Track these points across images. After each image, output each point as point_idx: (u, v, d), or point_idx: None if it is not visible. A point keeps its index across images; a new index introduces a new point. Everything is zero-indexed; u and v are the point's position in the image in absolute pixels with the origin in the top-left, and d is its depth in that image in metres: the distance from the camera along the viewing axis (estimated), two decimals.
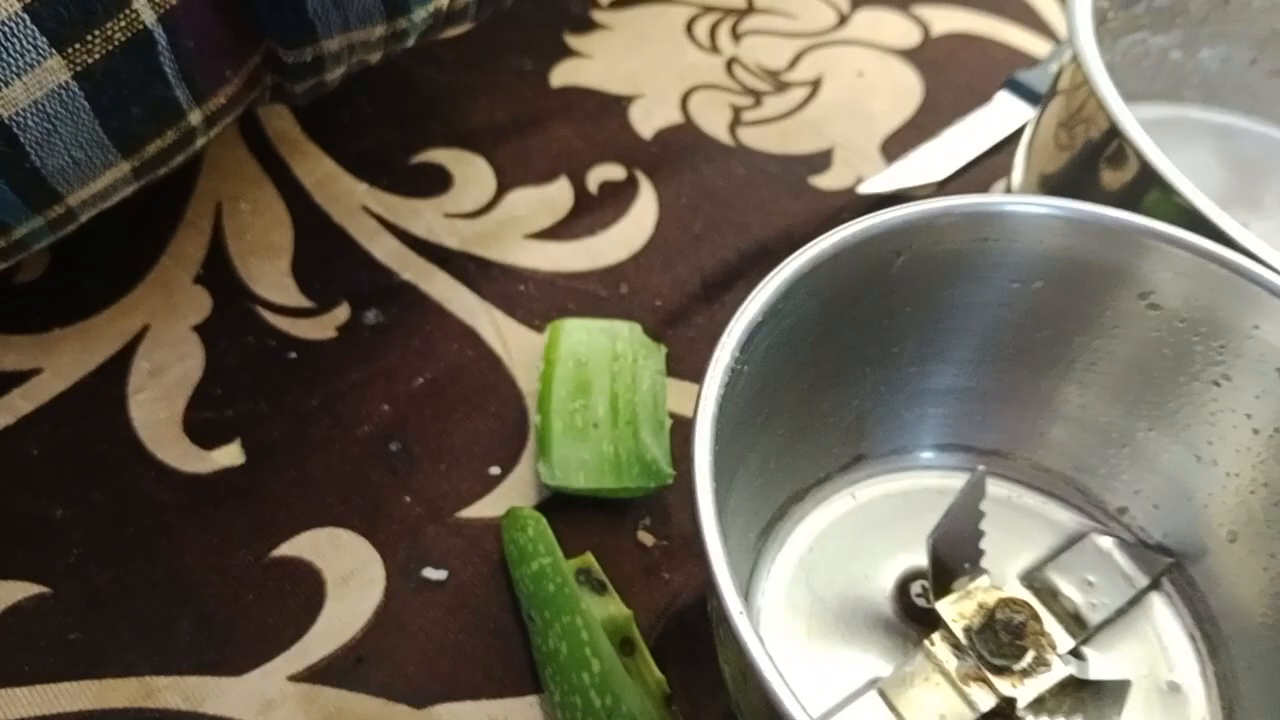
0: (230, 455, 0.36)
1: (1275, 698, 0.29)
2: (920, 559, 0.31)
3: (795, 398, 0.30)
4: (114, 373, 0.38)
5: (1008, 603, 0.28)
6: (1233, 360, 0.30)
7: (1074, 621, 0.30)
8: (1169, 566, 0.32)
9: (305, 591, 0.34)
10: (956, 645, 0.28)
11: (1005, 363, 0.32)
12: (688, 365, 0.40)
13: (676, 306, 0.42)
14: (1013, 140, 0.48)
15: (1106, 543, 0.32)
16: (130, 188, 0.35)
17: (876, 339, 0.30)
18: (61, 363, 0.38)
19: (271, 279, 0.41)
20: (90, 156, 0.32)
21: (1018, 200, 0.29)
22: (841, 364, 0.30)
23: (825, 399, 0.31)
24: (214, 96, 0.34)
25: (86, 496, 0.35)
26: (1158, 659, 0.31)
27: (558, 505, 0.36)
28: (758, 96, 0.50)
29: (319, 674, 0.32)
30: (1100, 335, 0.31)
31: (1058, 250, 0.29)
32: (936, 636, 0.29)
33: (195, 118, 0.34)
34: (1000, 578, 0.31)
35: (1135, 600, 0.32)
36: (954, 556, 0.29)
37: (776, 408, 0.29)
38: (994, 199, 0.29)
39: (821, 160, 0.48)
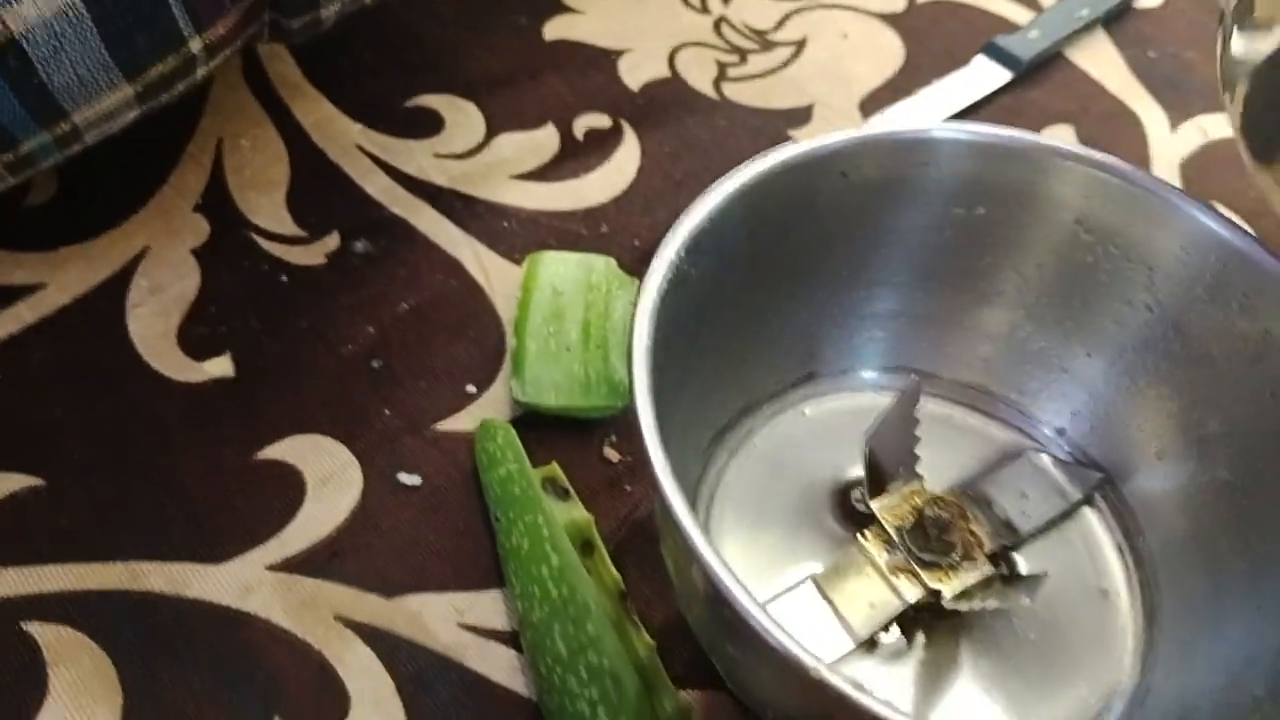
0: (221, 366, 0.38)
1: (1189, 601, 0.31)
2: (860, 470, 0.33)
3: (745, 313, 0.32)
4: (115, 289, 0.40)
5: (937, 501, 0.30)
6: (1163, 284, 0.31)
7: (1005, 529, 0.32)
8: (1100, 483, 0.33)
9: (287, 491, 0.36)
10: (888, 541, 0.30)
11: (948, 288, 0.33)
12: None
13: (653, 246, 0.42)
14: (986, 103, 0.50)
15: (1043, 460, 0.34)
16: (134, 112, 0.37)
17: (822, 258, 0.32)
18: (66, 279, 0.40)
19: (267, 210, 0.43)
20: (95, 76, 0.34)
21: (958, 127, 0.31)
22: (790, 281, 0.32)
23: (775, 317, 0.33)
24: (213, 26, 0.37)
25: (84, 399, 0.37)
26: (1087, 567, 0.33)
27: (530, 422, 0.38)
28: (743, 54, 0.52)
29: (296, 565, 0.34)
30: (1040, 262, 0.33)
31: (995, 176, 0.31)
32: (869, 532, 0.31)
33: (195, 45, 0.37)
34: (936, 488, 0.32)
35: (1067, 514, 0.33)
36: (889, 460, 0.31)
37: (727, 320, 0.31)
38: (935, 125, 0.31)
39: (801, 115, 0.49)
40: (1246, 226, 0.31)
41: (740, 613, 0.21)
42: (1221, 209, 0.31)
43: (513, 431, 0.36)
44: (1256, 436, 0.29)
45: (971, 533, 0.30)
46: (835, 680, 0.20)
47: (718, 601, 0.22)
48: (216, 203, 0.43)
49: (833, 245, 0.32)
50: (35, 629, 0.32)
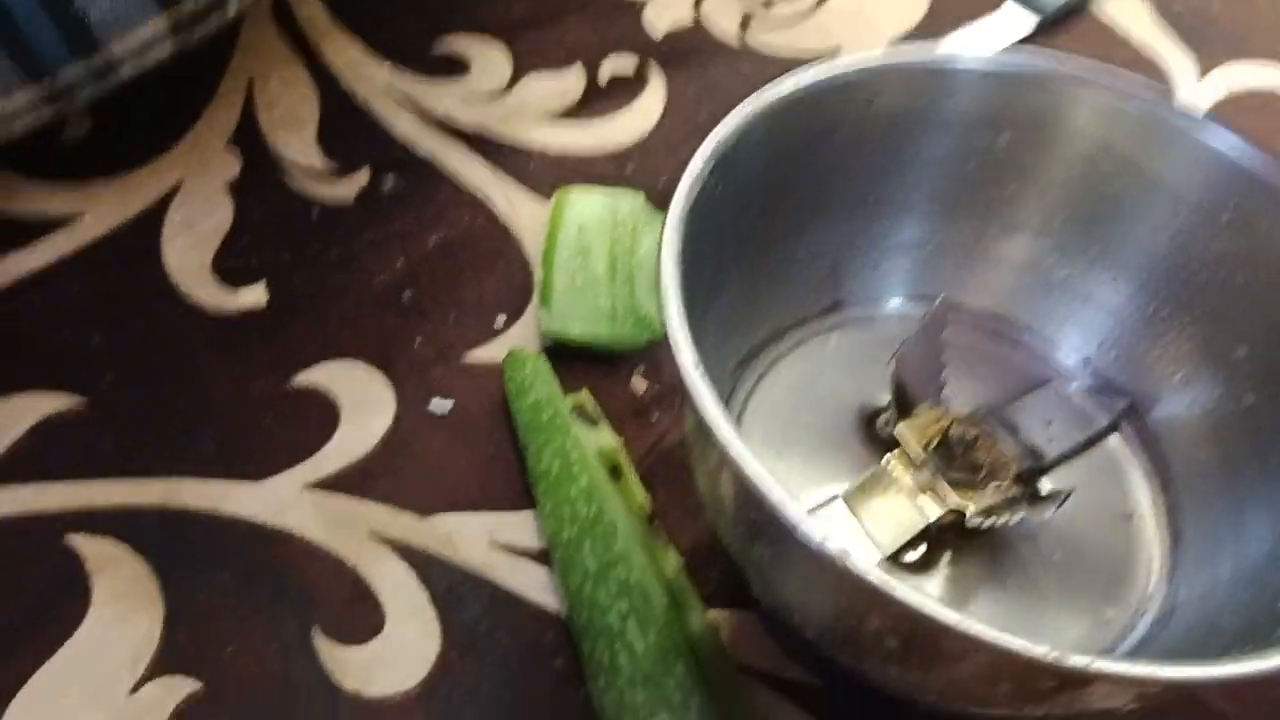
0: (254, 296, 0.39)
1: (1213, 522, 0.31)
2: (887, 398, 0.33)
3: (770, 239, 0.32)
4: (149, 222, 0.40)
5: (963, 421, 0.30)
6: (1188, 212, 0.31)
7: (1030, 455, 0.33)
8: (1126, 409, 0.34)
9: (321, 415, 0.36)
10: (914, 461, 0.31)
11: (972, 217, 0.34)
12: None
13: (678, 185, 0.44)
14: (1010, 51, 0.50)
15: (1067, 388, 0.34)
16: (168, 46, 0.38)
17: (846, 186, 0.32)
18: (101, 210, 0.40)
19: (298, 147, 0.43)
20: (130, 8, 0.35)
21: (982, 56, 0.31)
22: (813, 208, 0.32)
23: (800, 244, 0.33)
24: None
25: (122, 326, 0.38)
26: (1112, 491, 0.33)
27: (559, 354, 0.38)
28: (768, 1, 0.52)
29: (331, 484, 0.35)
30: (1065, 189, 0.33)
31: (1019, 105, 0.31)
32: (894, 453, 0.31)
33: None
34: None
35: (1092, 441, 0.34)
36: (916, 383, 0.32)
37: (752, 245, 0.31)
38: (959, 53, 0.31)
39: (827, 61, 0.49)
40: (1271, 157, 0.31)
41: (771, 509, 0.21)
42: (1246, 137, 0.31)
43: (542, 359, 0.37)
44: None
45: (997, 454, 0.31)
46: (864, 569, 0.20)
47: (749, 503, 0.23)
48: (248, 139, 0.43)
49: (856, 173, 0.32)
50: (78, 541, 0.33)
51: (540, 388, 0.36)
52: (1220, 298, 0.32)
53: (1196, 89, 0.49)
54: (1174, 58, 0.51)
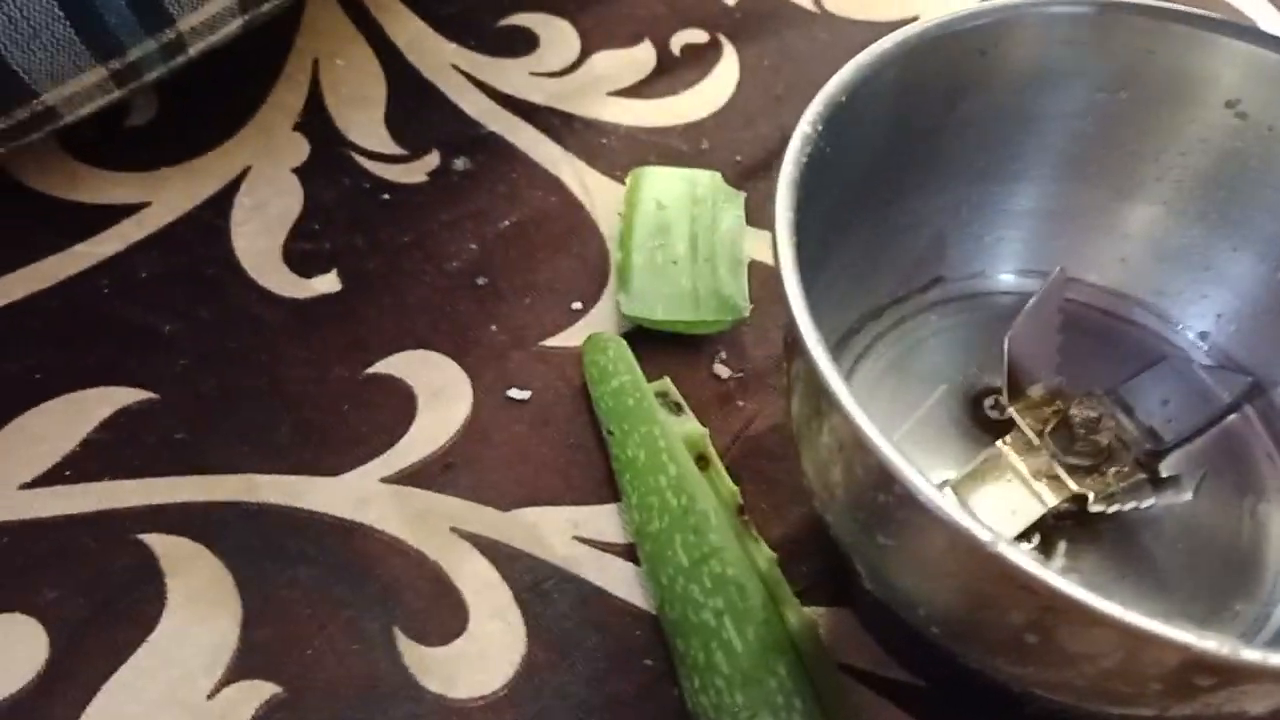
0: (328, 283, 0.38)
1: None
2: (994, 379, 0.31)
3: (875, 204, 0.30)
4: (218, 207, 0.39)
5: (1083, 401, 0.28)
6: None
7: (1150, 436, 0.31)
8: (1249, 388, 0.31)
9: (398, 405, 0.35)
10: (1029, 445, 0.29)
11: (1086, 182, 0.32)
12: (766, 216, 0.41)
13: (756, 162, 0.43)
14: None
15: (1186, 365, 0.32)
16: (236, 22, 0.37)
17: (956, 148, 0.30)
18: (169, 196, 0.39)
19: (366, 128, 0.42)
20: None
21: (1109, 1, 0.29)
22: (921, 174, 0.30)
23: (905, 212, 0.31)
24: None
25: (193, 314, 0.37)
26: (1236, 477, 0.31)
27: (638, 338, 0.37)
28: None
29: (409, 477, 0.33)
30: (1185, 150, 0.31)
31: (1144, 55, 0.29)
32: (1009, 436, 0.29)
33: None
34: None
35: (1215, 421, 0.31)
36: (1030, 361, 0.30)
37: (856, 212, 0.29)
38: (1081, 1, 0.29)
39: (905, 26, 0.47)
40: None
41: (907, 488, 0.20)
42: None
43: (624, 344, 0.35)
44: None
45: (1117, 436, 0.29)
46: (1014, 554, 0.19)
47: (874, 486, 0.21)
48: (315, 122, 0.42)
49: (966, 133, 0.30)
50: (152, 540, 0.32)
51: (624, 372, 0.35)
52: None
53: None
54: (1261, 9, 0.48)
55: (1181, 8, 0.29)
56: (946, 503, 0.19)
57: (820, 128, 0.25)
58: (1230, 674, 0.19)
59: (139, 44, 0.34)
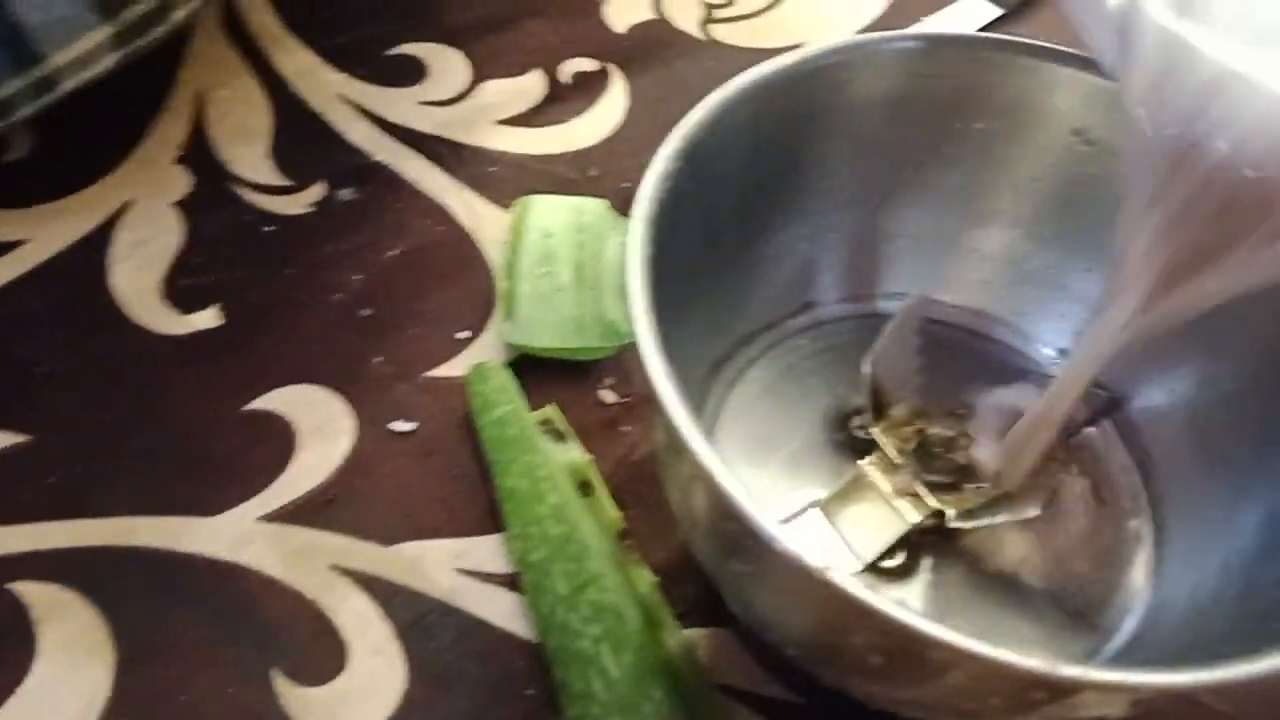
0: (209, 318, 0.37)
1: (1198, 518, 0.30)
2: (860, 399, 0.32)
3: (742, 235, 0.31)
4: (97, 244, 0.39)
5: (940, 420, 0.29)
6: None
7: None
8: (1106, 403, 0.33)
9: (279, 441, 0.35)
10: (891, 464, 0.30)
11: (946, 208, 0.33)
12: None
13: None
14: None
15: (1045, 382, 0.33)
16: (112, 58, 0.36)
17: (818, 178, 0.31)
18: (46, 234, 0.39)
19: (250, 160, 0.42)
20: (69, 15, 0.34)
21: (957, 36, 0.30)
22: (785, 204, 0.31)
23: (771, 242, 0.32)
24: None
25: (69, 355, 0.36)
26: (1094, 487, 0.32)
27: (524, 366, 0.37)
28: None
29: (289, 515, 0.33)
30: (1038, 176, 0.32)
31: (994, 88, 0.30)
32: (873, 456, 0.30)
33: None
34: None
35: (1071, 434, 0.32)
36: (891, 383, 0.30)
37: (723, 243, 0.30)
38: (932, 34, 0.30)
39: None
40: None
41: (747, 524, 0.20)
42: None
43: (507, 373, 0.36)
44: (1265, 344, 0.28)
45: (975, 454, 0.30)
46: (847, 583, 0.19)
47: (724, 517, 0.21)
48: (198, 155, 0.42)
49: (827, 165, 0.31)
50: (22, 588, 0.31)
51: (505, 402, 0.35)
52: None
53: None
54: None
55: (1026, 40, 0.30)
56: (781, 533, 0.20)
57: (678, 164, 0.26)
58: (1055, 689, 0.20)
59: (7, 82, 0.34)
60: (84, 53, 0.35)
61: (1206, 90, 0.21)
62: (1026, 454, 0.29)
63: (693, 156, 0.26)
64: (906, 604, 0.28)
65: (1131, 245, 0.24)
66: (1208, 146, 0.22)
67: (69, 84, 0.36)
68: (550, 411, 0.35)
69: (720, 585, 0.27)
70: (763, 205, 0.31)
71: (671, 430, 0.22)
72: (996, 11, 0.50)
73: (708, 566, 0.27)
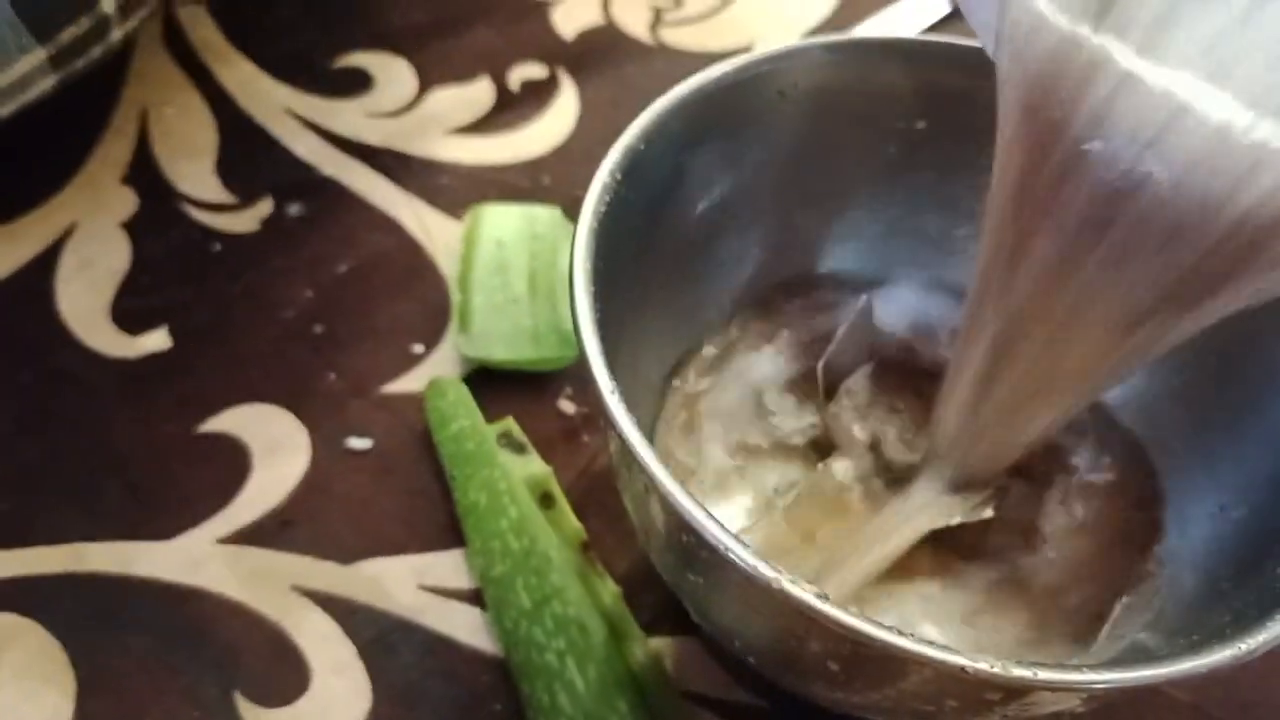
0: (157, 340, 0.37)
1: (1189, 483, 0.30)
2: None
3: (693, 240, 0.31)
4: (42, 267, 0.38)
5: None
6: None
7: None
8: None
9: (232, 462, 0.34)
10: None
11: (893, 206, 0.33)
12: None
13: None
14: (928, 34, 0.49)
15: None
16: (50, 80, 0.36)
17: (768, 181, 0.31)
18: None
19: (196, 178, 0.41)
20: (3, 39, 0.33)
21: (895, 39, 0.30)
22: (736, 206, 0.31)
23: (723, 245, 0.32)
24: None
25: (15, 377, 0.36)
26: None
27: (481, 379, 0.37)
28: None
29: (246, 536, 0.33)
30: (985, 172, 0.32)
31: (935, 87, 0.30)
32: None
33: (108, 4, 0.35)
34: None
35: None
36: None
37: (674, 248, 0.30)
38: (874, 38, 0.30)
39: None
40: None
41: (699, 533, 0.20)
42: None
43: (463, 387, 0.35)
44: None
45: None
46: (798, 592, 0.19)
47: (677, 527, 0.21)
48: (143, 174, 0.41)
49: (775, 168, 0.31)
50: None
51: (463, 416, 0.35)
52: None
53: None
54: None
55: (967, 42, 0.30)
56: (734, 543, 0.20)
57: (619, 176, 0.26)
58: (1009, 690, 0.20)
59: None
60: (20, 76, 0.35)
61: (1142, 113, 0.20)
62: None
63: (635, 168, 0.26)
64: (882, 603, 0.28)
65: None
66: (1145, 179, 0.20)
67: (7, 109, 0.35)
68: (508, 423, 0.35)
69: (681, 595, 0.27)
70: (709, 212, 0.31)
71: (622, 444, 0.22)
72: (946, 8, 0.50)
73: (667, 577, 0.27)
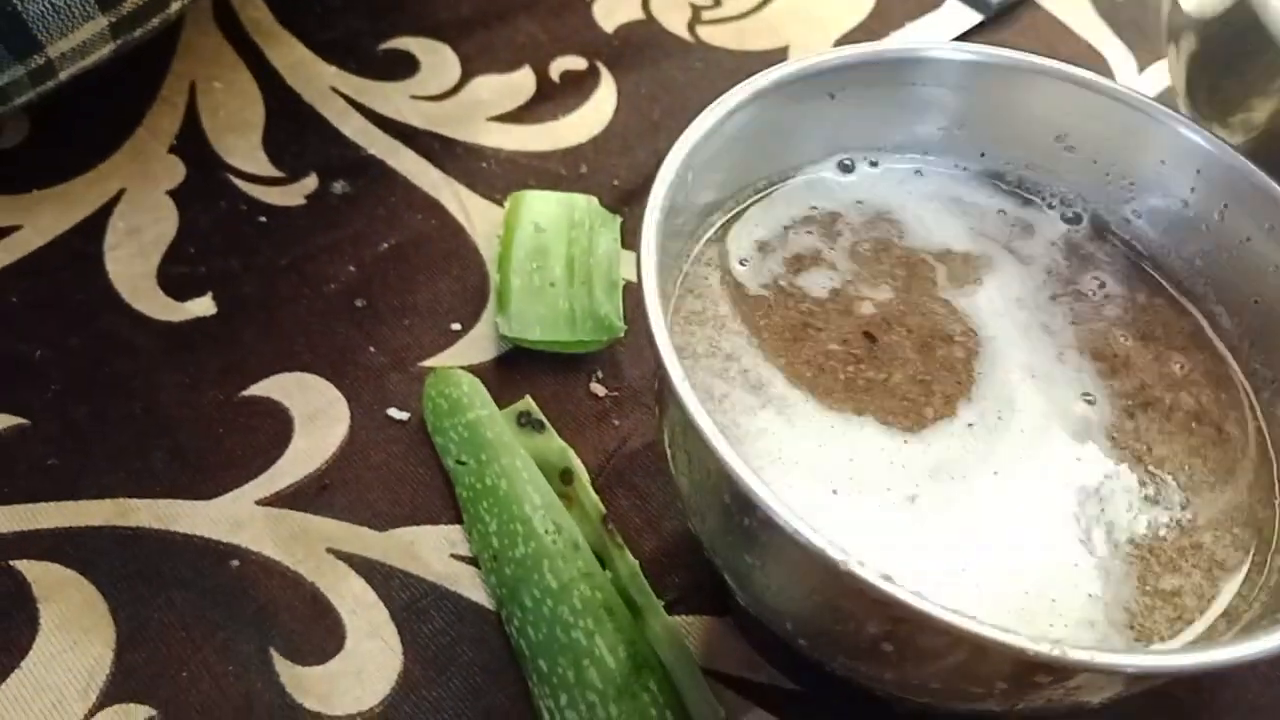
0: (202, 306, 0.38)
1: None
2: None
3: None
4: (91, 231, 0.39)
5: None
6: (1144, 197, 0.32)
7: None
8: None
9: (274, 427, 0.35)
10: None
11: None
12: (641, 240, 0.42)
13: (633, 186, 0.44)
14: None
15: None
16: (108, 47, 0.37)
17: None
18: (41, 221, 0.39)
19: (243, 151, 0.42)
20: (70, 5, 0.34)
21: (945, 46, 0.31)
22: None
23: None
24: None
25: (64, 340, 0.36)
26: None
27: (515, 359, 0.38)
28: None
29: (286, 499, 0.34)
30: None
31: (980, 94, 0.31)
32: None
33: None
34: None
35: None
36: None
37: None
38: (921, 45, 0.31)
39: (777, 57, 0.49)
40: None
41: (768, 514, 0.21)
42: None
43: (476, 379, 0.36)
44: None
45: None
46: (864, 571, 0.20)
47: (741, 509, 0.22)
48: (191, 145, 0.42)
49: (817, 161, 0.32)
50: (23, 566, 0.32)
51: (480, 406, 0.35)
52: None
53: (1136, 82, 0.50)
54: (1114, 51, 0.51)
55: (1012, 53, 0.31)
56: (803, 525, 0.21)
57: (685, 173, 0.26)
58: (1062, 672, 0.21)
59: (7, 70, 0.34)
60: (81, 42, 0.36)
61: None
62: None
63: (693, 162, 0.27)
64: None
65: None
66: None
67: (66, 73, 0.36)
68: (527, 403, 0.36)
69: (730, 578, 0.27)
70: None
71: (689, 426, 0.23)
72: (977, 18, 0.51)
73: (719, 558, 0.27)
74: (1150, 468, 0.28)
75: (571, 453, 0.35)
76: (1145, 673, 0.21)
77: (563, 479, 0.34)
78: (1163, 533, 0.27)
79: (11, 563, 0.32)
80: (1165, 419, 0.29)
